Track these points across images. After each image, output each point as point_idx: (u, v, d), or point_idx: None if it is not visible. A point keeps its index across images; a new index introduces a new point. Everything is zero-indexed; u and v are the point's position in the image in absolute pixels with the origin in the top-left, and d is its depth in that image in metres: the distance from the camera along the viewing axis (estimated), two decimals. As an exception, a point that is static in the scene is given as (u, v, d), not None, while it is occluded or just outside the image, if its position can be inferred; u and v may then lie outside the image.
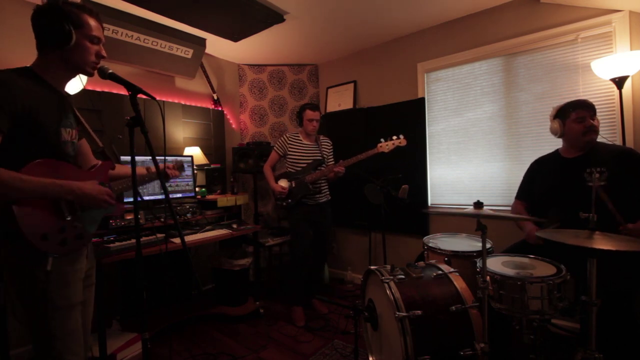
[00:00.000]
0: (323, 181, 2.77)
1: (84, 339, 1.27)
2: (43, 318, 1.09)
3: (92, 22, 1.17)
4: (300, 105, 2.81)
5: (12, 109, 1.02)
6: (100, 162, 1.38)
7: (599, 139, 1.85)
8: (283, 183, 2.71)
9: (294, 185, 2.68)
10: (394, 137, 2.48)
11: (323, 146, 2.81)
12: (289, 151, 2.76)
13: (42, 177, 1.06)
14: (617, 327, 1.50)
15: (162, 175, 1.22)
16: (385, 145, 2.48)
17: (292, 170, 2.75)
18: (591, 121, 1.75)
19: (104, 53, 1.22)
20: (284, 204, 2.72)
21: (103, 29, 1.24)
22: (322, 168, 2.70)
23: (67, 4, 1.13)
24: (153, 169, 1.53)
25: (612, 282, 1.49)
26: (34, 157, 1.08)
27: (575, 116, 1.78)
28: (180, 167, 1.68)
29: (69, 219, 1.14)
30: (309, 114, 2.71)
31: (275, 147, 2.82)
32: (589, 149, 1.80)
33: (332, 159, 2.85)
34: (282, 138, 2.80)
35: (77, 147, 1.32)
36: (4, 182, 0.98)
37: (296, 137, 2.78)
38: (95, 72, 1.22)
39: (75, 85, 1.93)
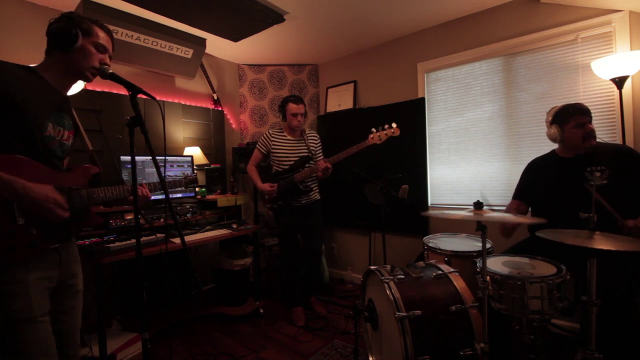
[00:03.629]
0: (312, 180, 2.63)
1: (69, 345, 1.23)
2: (1, 332, 1.02)
3: (102, 34, 1.20)
4: (282, 98, 2.57)
5: None
6: (82, 165, 1.29)
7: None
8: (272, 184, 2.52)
9: (282, 185, 2.53)
10: (386, 126, 2.32)
11: (310, 141, 2.62)
12: (273, 148, 2.58)
13: None
14: (617, 327, 1.49)
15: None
16: (377, 137, 2.30)
17: (279, 169, 2.59)
18: (590, 126, 1.75)
19: (107, 62, 1.23)
20: (275, 206, 2.60)
21: (113, 45, 1.26)
22: (311, 164, 2.57)
23: (81, 17, 1.17)
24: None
25: (611, 283, 1.48)
26: (10, 144, 1.05)
27: (574, 122, 1.77)
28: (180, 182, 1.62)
29: (20, 223, 1.04)
30: (292, 107, 2.51)
31: (257, 145, 2.64)
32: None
33: (320, 155, 2.69)
34: (264, 135, 2.62)
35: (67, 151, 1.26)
36: None
37: (279, 133, 2.60)
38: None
39: (75, 85, 1.93)
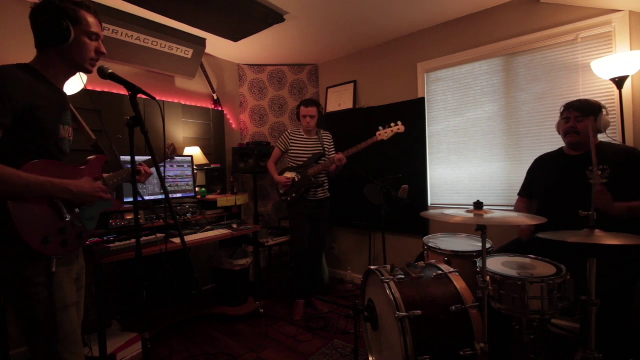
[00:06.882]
0: (324, 175, 2.77)
1: None
2: (39, 321, 1.06)
3: (90, 19, 1.16)
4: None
5: (14, 104, 1.01)
6: (93, 157, 1.35)
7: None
8: (289, 174, 2.71)
9: (298, 178, 2.69)
10: (392, 124, 2.52)
11: (324, 140, 2.81)
12: (291, 146, 2.77)
13: (37, 175, 1.04)
14: (616, 326, 1.49)
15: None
16: (384, 133, 2.52)
17: (294, 165, 2.76)
18: (575, 123, 1.76)
19: (103, 49, 1.22)
20: (289, 198, 2.71)
21: (102, 25, 1.23)
22: (324, 161, 2.70)
23: (65, 1, 1.11)
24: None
25: (610, 282, 1.48)
26: (32, 152, 1.07)
27: (563, 115, 1.83)
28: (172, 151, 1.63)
29: (68, 219, 1.13)
30: (302, 110, 2.72)
31: (277, 144, 2.84)
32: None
33: (333, 152, 2.84)
34: (284, 134, 2.82)
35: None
36: (1, 178, 0.96)
37: (298, 133, 2.80)
38: (95, 71, 1.21)
39: (75, 84, 1.93)
